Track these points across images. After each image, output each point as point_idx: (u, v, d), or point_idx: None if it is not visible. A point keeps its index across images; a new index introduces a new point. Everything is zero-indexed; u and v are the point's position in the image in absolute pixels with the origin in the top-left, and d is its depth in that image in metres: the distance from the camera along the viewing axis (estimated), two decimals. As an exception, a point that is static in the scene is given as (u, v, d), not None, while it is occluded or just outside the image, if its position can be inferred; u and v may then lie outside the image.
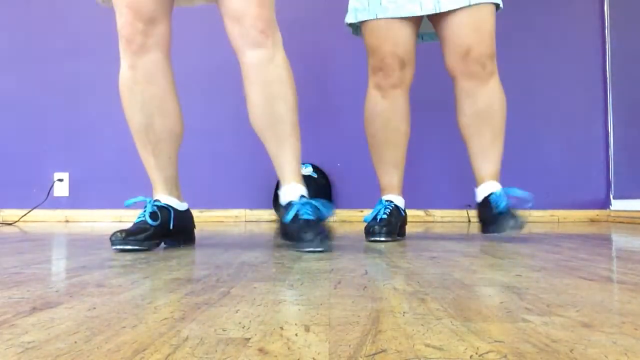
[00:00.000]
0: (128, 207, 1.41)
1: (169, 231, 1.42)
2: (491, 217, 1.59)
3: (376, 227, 1.58)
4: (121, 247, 1.32)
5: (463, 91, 1.64)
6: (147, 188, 3.31)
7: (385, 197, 1.73)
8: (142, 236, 1.34)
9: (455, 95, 1.68)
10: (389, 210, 1.66)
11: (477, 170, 1.69)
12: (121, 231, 1.32)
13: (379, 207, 1.68)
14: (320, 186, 2.94)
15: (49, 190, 3.08)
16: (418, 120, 3.01)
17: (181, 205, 1.48)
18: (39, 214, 3.06)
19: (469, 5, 1.58)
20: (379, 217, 1.64)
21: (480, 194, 1.67)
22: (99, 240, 1.67)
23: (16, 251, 1.34)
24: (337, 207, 3.02)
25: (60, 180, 3.09)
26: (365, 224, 1.66)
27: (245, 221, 2.99)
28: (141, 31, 1.36)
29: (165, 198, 1.45)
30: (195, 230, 2.18)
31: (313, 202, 1.38)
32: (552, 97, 3.07)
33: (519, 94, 3.05)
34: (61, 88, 3.12)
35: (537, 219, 3.00)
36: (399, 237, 1.70)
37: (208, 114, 3.07)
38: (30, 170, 3.12)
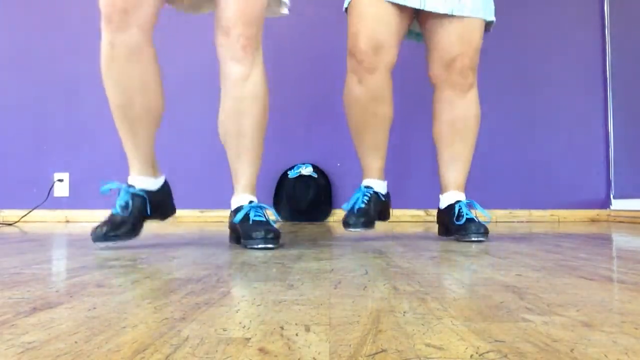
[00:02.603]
0: (104, 193, 1.45)
1: (147, 215, 1.46)
2: (457, 224, 1.58)
3: (353, 217, 1.59)
4: (104, 243, 1.36)
5: (442, 99, 1.66)
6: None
7: (365, 183, 1.70)
8: (122, 230, 1.37)
9: (433, 103, 1.69)
10: (367, 198, 1.64)
11: (444, 177, 1.70)
12: (101, 227, 1.35)
13: (357, 194, 1.66)
14: (320, 186, 2.94)
15: (49, 191, 3.08)
16: (418, 120, 3.01)
17: (156, 183, 1.49)
18: (39, 214, 3.06)
19: (452, 15, 1.58)
20: (356, 206, 1.62)
21: (445, 201, 1.67)
22: (99, 241, 1.67)
23: (16, 251, 1.34)
24: (337, 207, 3.02)
25: (61, 180, 3.09)
26: (345, 212, 1.65)
27: (246, 221, 2.99)
28: (121, 9, 1.35)
29: (140, 180, 1.46)
30: (196, 230, 2.19)
31: (262, 205, 1.44)
32: (552, 97, 3.07)
33: (519, 94, 3.05)
34: (61, 88, 3.12)
35: (537, 218, 3.00)
36: (381, 220, 1.72)
37: (208, 114, 3.06)
38: (31, 171, 3.12)
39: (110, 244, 1.37)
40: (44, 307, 0.65)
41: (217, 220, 3.01)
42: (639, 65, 2.79)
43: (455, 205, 1.62)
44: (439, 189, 1.73)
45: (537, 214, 3.01)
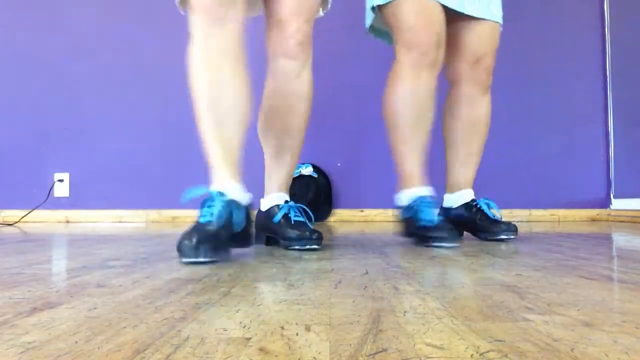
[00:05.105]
0: (188, 200, 1.35)
1: (240, 231, 1.21)
2: (483, 222, 1.61)
3: (445, 231, 1.43)
4: (193, 259, 1.07)
5: (462, 96, 1.66)
6: (148, 188, 3.28)
7: (423, 192, 1.58)
8: (214, 244, 1.10)
9: (450, 100, 1.69)
10: (437, 211, 1.55)
11: (456, 175, 1.71)
12: (189, 238, 1.07)
13: (426, 208, 1.51)
14: (320, 186, 2.94)
15: (50, 191, 3.08)
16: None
17: (245, 198, 1.26)
18: (39, 214, 3.06)
19: (483, 18, 1.62)
20: (436, 221, 1.47)
21: (459, 199, 1.69)
22: (100, 241, 1.67)
23: (17, 251, 1.34)
24: (337, 207, 3.02)
25: (61, 180, 3.09)
26: (418, 224, 1.50)
27: (246, 221, 2.98)
28: (218, 2, 1.24)
29: (231, 186, 1.23)
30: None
31: (300, 205, 1.42)
32: (552, 97, 3.07)
33: (519, 94, 3.05)
34: (61, 88, 3.12)
35: (537, 218, 3.00)
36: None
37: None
38: (31, 171, 3.12)
39: (200, 260, 1.07)
40: (45, 307, 0.65)
41: (217, 220, 3.00)
42: (639, 65, 2.79)
43: (478, 204, 1.65)
44: (444, 187, 1.75)
45: (537, 213, 3.01)
